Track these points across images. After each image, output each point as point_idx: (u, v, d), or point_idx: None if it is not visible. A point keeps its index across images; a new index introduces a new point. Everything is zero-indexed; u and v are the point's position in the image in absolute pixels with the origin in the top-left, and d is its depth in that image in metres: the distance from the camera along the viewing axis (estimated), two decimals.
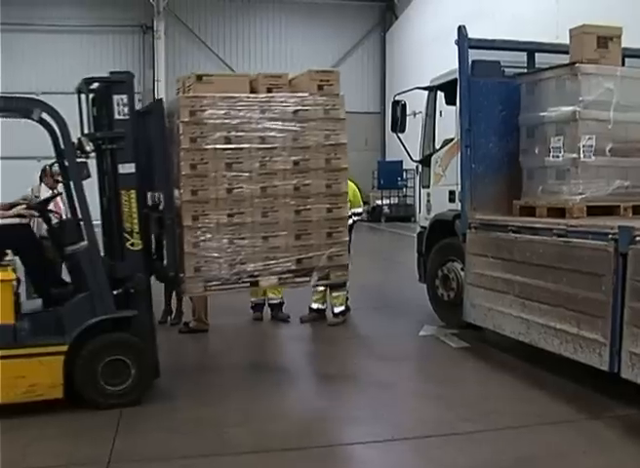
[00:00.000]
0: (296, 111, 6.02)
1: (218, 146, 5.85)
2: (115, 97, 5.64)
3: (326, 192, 6.15)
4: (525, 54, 7.95)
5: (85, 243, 5.80)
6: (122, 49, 25.88)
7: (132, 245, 5.76)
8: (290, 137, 6.02)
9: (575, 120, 6.54)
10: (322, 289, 8.64)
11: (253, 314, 8.94)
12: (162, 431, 5.17)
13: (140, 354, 5.68)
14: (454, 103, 8.12)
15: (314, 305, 8.89)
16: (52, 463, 4.65)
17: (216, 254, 5.91)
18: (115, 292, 5.67)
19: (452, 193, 8.28)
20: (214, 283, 5.97)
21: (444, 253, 8.43)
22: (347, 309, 8.98)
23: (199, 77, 5.93)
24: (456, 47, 7.44)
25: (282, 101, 6.00)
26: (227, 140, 5.88)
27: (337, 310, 8.80)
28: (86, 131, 5.81)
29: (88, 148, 5.69)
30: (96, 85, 5.87)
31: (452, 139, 8.34)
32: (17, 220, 6.45)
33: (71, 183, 5.83)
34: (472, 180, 7.45)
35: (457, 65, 7.59)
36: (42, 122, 5.89)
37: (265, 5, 26.42)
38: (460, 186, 7.72)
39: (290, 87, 6.14)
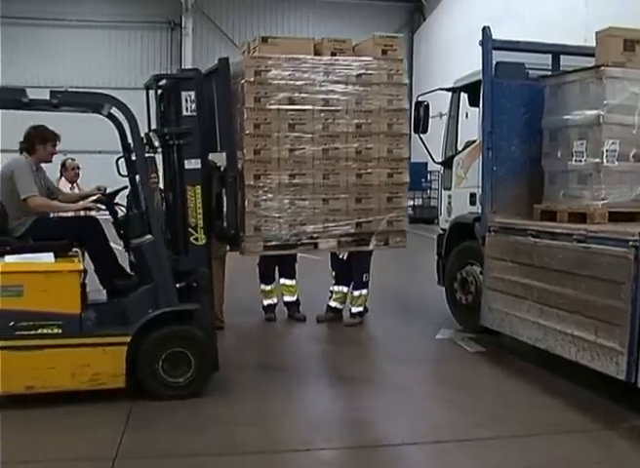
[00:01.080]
0: (359, 75, 6.04)
1: (281, 107, 5.87)
2: (183, 94, 5.71)
3: (387, 157, 6.16)
4: (549, 56, 7.81)
5: (149, 236, 5.85)
6: (149, 45, 25.98)
7: (196, 239, 5.80)
8: (353, 101, 6.03)
9: (598, 124, 6.37)
10: (344, 290, 8.62)
11: (265, 315, 8.78)
12: (172, 428, 5.13)
13: (201, 347, 5.70)
14: (477, 105, 8.04)
15: (333, 304, 8.75)
16: (58, 457, 4.62)
17: (276, 214, 5.93)
18: (178, 286, 5.72)
19: (473, 196, 8.18)
20: (273, 243, 5.97)
21: (463, 256, 8.30)
22: (365, 310, 8.86)
23: (264, 39, 5.96)
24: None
25: (346, 65, 6.02)
26: (291, 101, 5.90)
27: (355, 310, 8.65)
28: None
29: (156, 144, 5.74)
30: (164, 81, 5.97)
31: (474, 141, 8.24)
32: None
33: (138, 177, 5.94)
34: (493, 183, 7.32)
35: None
36: (110, 117, 5.95)
37: (294, 3, 26.52)
38: (480, 189, 7.63)
39: (353, 53, 6.14)
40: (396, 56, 6.14)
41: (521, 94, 7.35)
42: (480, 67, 7.44)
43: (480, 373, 6.74)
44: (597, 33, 6.65)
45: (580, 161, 6.58)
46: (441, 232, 9.10)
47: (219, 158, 5.98)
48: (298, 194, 5.97)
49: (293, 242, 6.04)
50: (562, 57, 7.72)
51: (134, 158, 5.91)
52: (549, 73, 7.53)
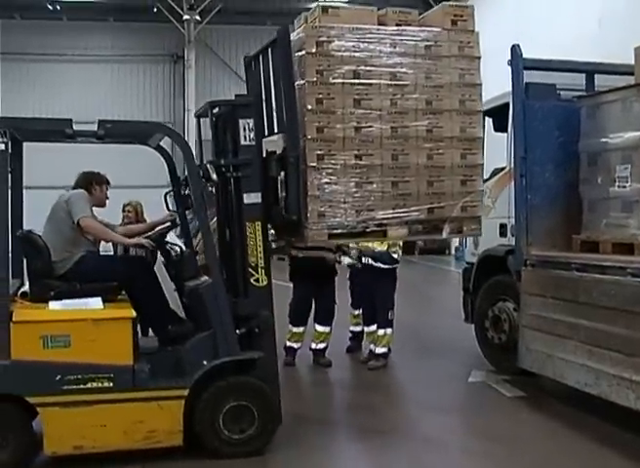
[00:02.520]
0: (428, 46, 5.55)
1: (345, 81, 5.37)
2: (241, 122, 5.28)
3: (460, 136, 5.64)
4: (576, 76, 7.33)
5: (204, 278, 5.44)
6: (152, 78, 25.68)
7: (257, 281, 5.33)
8: (422, 75, 5.54)
9: None
10: (357, 312, 8.21)
11: (284, 357, 7.94)
12: None
13: (264, 399, 5.22)
14: (503, 130, 7.61)
15: (380, 350, 8.11)
16: None
17: (341, 199, 5.39)
18: (239, 332, 5.24)
19: (503, 226, 7.67)
20: (338, 231, 5.41)
21: (494, 291, 7.76)
22: (389, 350, 8.24)
23: (324, 9, 5.46)
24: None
25: (414, 36, 5.54)
26: (356, 75, 5.40)
27: (379, 351, 8.05)
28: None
29: (214, 176, 5.27)
30: (219, 109, 5.53)
31: (502, 169, 7.76)
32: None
33: (193, 213, 5.52)
34: (528, 212, 6.76)
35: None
36: (159, 148, 5.66)
37: None
38: (513, 219, 7.13)
39: (420, 25, 5.65)
40: (467, 26, 5.65)
41: (555, 116, 6.82)
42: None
43: (520, 422, 6.11)
44: (636, 49, 6.05)
45: (625, 187, 6.04)
46: (467, 266, 8.58)
47: (272, 144, 5.46)
48: (364, 176, 5.43)
49: (360, 229, 5.48)
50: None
51: (186, 192, 5.55)
52: (583, 93, 7.00)
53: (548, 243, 6.64)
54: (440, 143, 5.59)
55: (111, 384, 4.87)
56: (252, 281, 5.34)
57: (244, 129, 5.30)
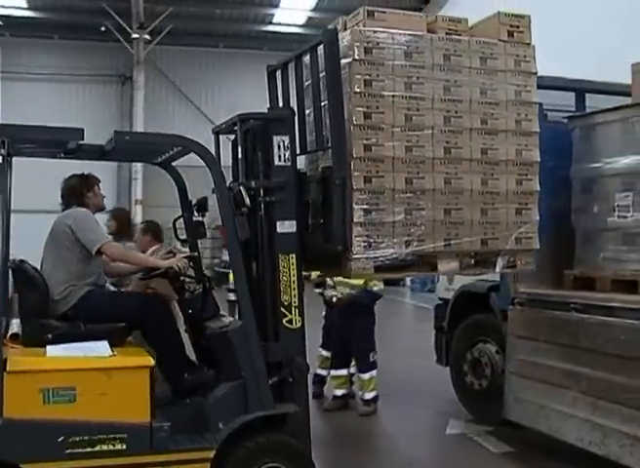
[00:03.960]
0: (483, 59, 5.00)
1: (396, 93, 4.75)
2: (275, 139, 4.63)
3: (515, 160, 5.09)
4: (562, 95, 6.80)
5: (228, 318, 4.81)
6: (99, 99, 24.52)
7: (290, 322, 4.64)
8: (477, 90, 4.98)
9: None
10: (344, 373, 7.56)
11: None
12: None
13: (299, 460, 4.51)
14: None
15: (338, 392, 7.62)
16: None
17: (390, 227, 4.75)
18: (270, 382, 4.52)
19: None
20: (386, 263, 4.75)
21: (474, 331, 7.16)
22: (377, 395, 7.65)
23: (370, 12, 4.83)
24: None
25: (468, 47, 4.97)
26: (407, 87, 4.79)
27: (368, 396, 7.49)
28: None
29: (247, 201, 4.52)
30: (249, 123, 4.80)
31: None
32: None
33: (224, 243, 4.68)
34: None
35: None
36: (169, 168, 5.13)
37: (249, 57, 25.66)
38: None
39: (470, 36, 5.09)
40: (523, 39, 5.13)
41: (542, 138, 6.13)
42: None
43: None
44: (634, 66, 5.59)
45: (626, 217, 5.48)
46: (440, 302, 7.91)
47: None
48: (415, 202, 4.82)
49: (409, 262, 4.82)
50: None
51: (199, 218, 5.07)
52: (574, 113, 6.49)
53: (537, 279, 5.90)
54: (495, 167, 5.02)
55: (125, 446, 4.11)
56: (284, 322, 4.63)
57: (278, 147, 4.63)
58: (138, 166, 23.04)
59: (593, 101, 6.42)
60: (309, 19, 23.86)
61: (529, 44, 5.12)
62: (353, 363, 7.66)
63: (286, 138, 4.66)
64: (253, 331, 4.52)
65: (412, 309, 19.78)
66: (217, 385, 4.55)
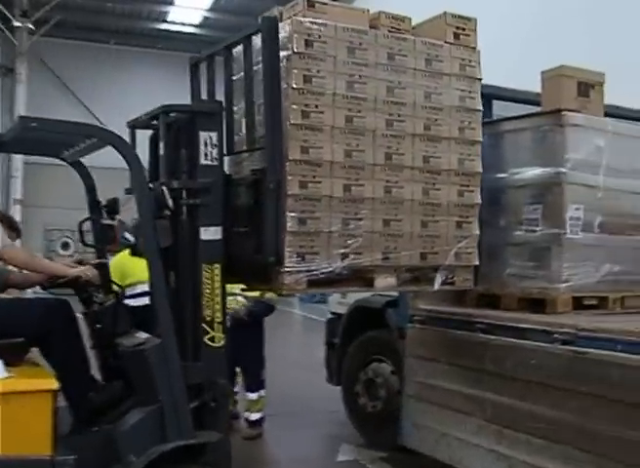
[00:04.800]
0: (428, 61, 4.66)
1: (337, 91, 4.33)
2: (202, 135, 4.13)
3: (458, 169, 4.78)
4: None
5: (143, 334, 4.23)
6: None
7: (212, 339, 4.14)
8: (421, 93, 4.64)
9: (559, 184, 5.03)
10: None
11: None
12: None
13: None
14: None
15: None
16: None
17: (326, 238, 4.33)
18: (190, 406, 4.01)
19: None
20: (320, 277, 4.32)
21: (368, 349, 6.78)
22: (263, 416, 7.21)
23: (311, 2, 4.40)
24: None
25: (414, 46, 4.62)
26: (349, 86, 4.38)
27: (253, 417, 7.05)
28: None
29: (170, 202, 4.02)
30: (172, 116, 4.31)
31: None
32: None
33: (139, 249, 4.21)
34: None
35: None
36: (76, 164, 4.60)
37: (143, 56, 24.80)
38: None
39: (413, 35, 4.75)
40: (469, 42, 4.82)
41: None
42: None
43: None
44: (544, 73, 5.39)
45: (534, 231, 5.17)
46: (332, 317, 7.53)
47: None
48: (353, 211, 4.42)
49: (344, 277, 4.41)
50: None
51: (108, 222, 4.53)
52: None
53: (437, 295, 5.54)
54: (437, 176, 4.69)
55: None
56: (205, 340, 4.13)
57: (205, 144, 4.14)
58: (17, 162, 21.72)
59: (500, 109, 6.13)
60: (205, 18, 23.27)
61: (474, 48, 4.83)
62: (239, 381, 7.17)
63: (214, 135, 4.17)
64: (173, 350, 3.98)
65: (301, 320, 19.38)
66: (129, 411, 4.00)
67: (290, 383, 8.97)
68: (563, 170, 5.04)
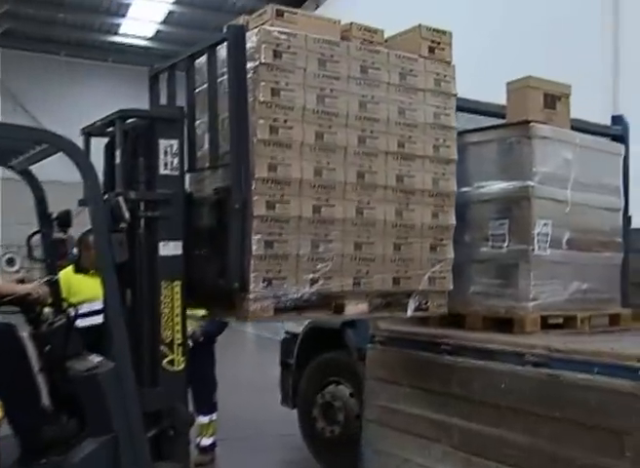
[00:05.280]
0: (402, 75, 4.43)
1: (307, 106, 4.07)
2: (162, 143, 3.85)
3: (432, 189, 4.54)
4: None
5: (96, 358, 3.86)
6: None
7: (171, 363, 3.85)
8: (394, 109, 4.40)
9: (527, 198, 4.86)
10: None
11: None
12: None
13: None
14: None
15: None
16: None
17: (294, 262, 4.05)
18: (147, 435, 3.72)
19: None
20: (288, 303, 4.04)
21: (326, 371, 6.53)
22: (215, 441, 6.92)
23: (280, 12, 4.15)
24: None
25: (387, 60, 4.39)
26: (320, 100, 4.13)
27: (205, 443, 6.82)
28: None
29: (127, 215, 3.70)
30: (130, 123, 4.02)
31: None
32: None
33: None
34: None
35: None
36: (25, 173, 4.26)
37: (94, 69, 24.26)
38: None
39: (387, 48, 4.52)
40: (444, 56, 4.61)
41: None
42: None
43: None
44: (510, 84, 5.24)
45: (501, 247, 4.97)
46: (287, 336, 7.25)
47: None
48: (323, 233, 4.15)
49: (314, 302, 4.14)
50: None
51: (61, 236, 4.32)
52: None
53: None
54: (410, 197, 4.45)
55: None
56: (164, 364, 3.84)
57: (165, 152, 3.86)
58: None
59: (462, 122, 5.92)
60: (158, 31, 22.86)
61: (449, 63, 4.62)
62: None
63: (174, 143, 3.88)
64: (128, 374, 3.66)
65: (253, 339, 18.98)
66: (81, 440, 3.65)
67: (242, 405, 8.67)
68: (531, 183, 4.85)
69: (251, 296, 3.90)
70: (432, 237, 4.52)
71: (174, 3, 20.82)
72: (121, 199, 3.70)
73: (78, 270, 5.45)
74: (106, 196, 3.87)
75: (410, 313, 4.47)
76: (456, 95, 4.62)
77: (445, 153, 4.56)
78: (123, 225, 3.71)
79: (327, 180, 4.13)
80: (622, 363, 3.73)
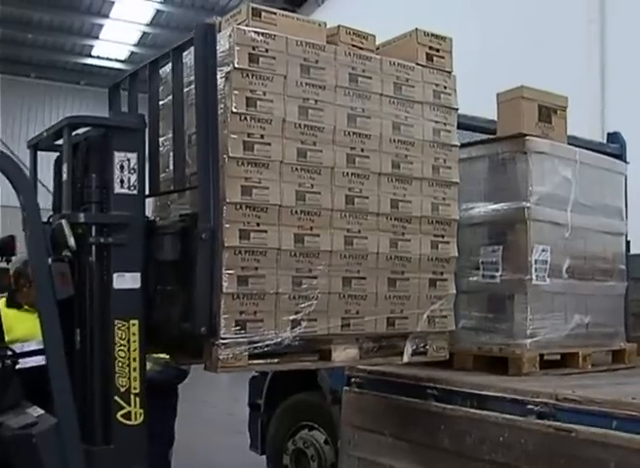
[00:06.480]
0: (398, 86, 3.87)
1: (288, 118, 3.50)
2: (117, 156, 3.33)
3: (431, 216, 3.97)
4: None
5: (36, 411, 3.31)
6: None
7: (127, 417, 3.31)
8: (389, 124, 3.84)
9: (523, 222, 4.43)
10: None
11: None
12: None
13: None
14: None
15: None
16: None
17: (272, 302, 3.46)
18: None
19: None
20: (265, 350, 3.45)
21: (298, 414, 5.97)
22: None
23: (256, 11, 3.58)
24: None
25: (380, 68, 3.83)
26: (302, 112, 3.56)
27: None
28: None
29: (72, 241, 3.19)
30: (82, 135, 3.54)
31: None
32: None
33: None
34: None
35: None
36: None
37: (66, 91, 23.59)
38: None
39: (381, 54, 3.98)
40: (444, 65, 4.07)
41: None
42: None
43: None
44: (500, 95, 4.77)
45: (494, 277, 4.52)
46: (255, 374, 6.60)
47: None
48: (306, 268, 3.57)
49: (296, 348, 3.55)
50: None
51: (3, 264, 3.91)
52: None
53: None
54: (407, 225, 3.89)
55: None
56: (119, 417, 3.28)
57: (121, 167, 3.32)
58: None
59: None
60: (132, 53, 22.31)
61: (450, 72, 4.07)
62: None
63: (132, 156, 3.34)
64: (72, 432, 3.13)
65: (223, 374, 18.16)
66: None
67: (212, 449, 8.15)
68: (527, 204, 4.43)
69: (221, 342, 3.32)
70: (431, 271, 3.95)
71: (148, 25, 20.36)
72: (64, 222, 3.18)
73: (9, 304, 4.82)
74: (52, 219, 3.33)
75: (406, 358, 3.88)
76: (457, 109, 4.07)
77: (446, 175, 4.01)
78: (67, 253, 3.18)
79: (311, 206, 3.57)
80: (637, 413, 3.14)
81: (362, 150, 3.72)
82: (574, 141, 5.01)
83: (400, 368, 4.29)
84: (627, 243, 5.33)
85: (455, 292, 4.03)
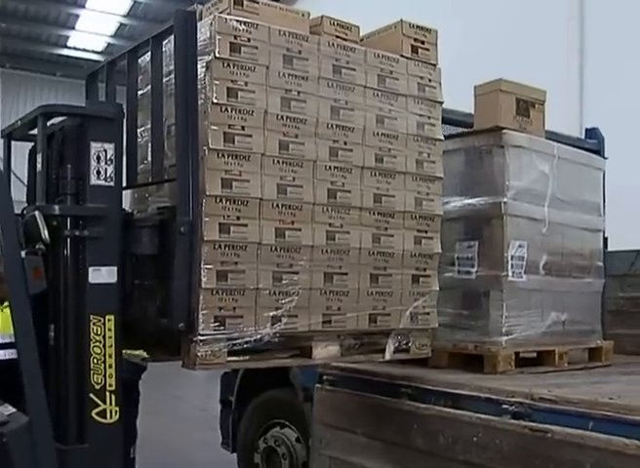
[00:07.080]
0: (382, 78, 3.79)
1: (270, 110, 3.40)
2: (94, 146, 3.24)
3: (415, 211, 3.89)
4: None
5: (8, 409, 3.20)
6: None
7: (102, 414, 3.23)
8: (373, 117, 3.76)
9: (499, 217, 4.35)
10: None
11: None
12: None
13: None
14: None
15: None
16: None
17: (252, 297, 3.36)
18: None
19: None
20: (244, 346, 3.36)
21: (269, 412, 5.84)
22: None
23: (238, 0, 3.48)
24: None
25: (364, 59, 3.75)
26: (285, 103, 3.46)
27: None
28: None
29: (46, 234, 3.12)
30: (57, 124, 3.45)
31: None
32: None
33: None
34: None
35: None
36: None
37: (42, 82, 23.27)
38: None
39: (365, 45, 3.90)
40: (429, 58, 3.99)
41: None
42: None
43: None
44: (478, 88, 4.70)
45: (469, 273, 4.44)
46: (227, 370, 6.44)
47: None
48: (287, 263, 3.47)
49: (276, 345, 3.46)
50: None
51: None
52: None
53: None
54: (390, 220, 3.81)
55: None
56: (94, 415, 3.19)
57: (98, 158, 3.23)
58: None
59: None
60: (108, 45, 22.03)
61: (435, 65, 3.99)
62: None
63: (109, 147, 3.25)
64: (44, 431, 3.04)
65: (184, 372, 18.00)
66: None
67: (186, 444, 7.99)
68: (504, 199, 4.35)
69: (199, 339, 3.22)
70: (414, 267, 3.87)
71: (125, 16, 20.11)
72: (38, 214, 3.08)
73: None
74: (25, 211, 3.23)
75: (388, 356, 3.80)
76: (442, 102, 3.99)
77: (429, 169, 3.93)
78: (41, 247, 3.08)
79: (292, 199, 3.48)
80: (625, 416, 3.03)
81: (345, 143, 3.64)
82: (552, 136, 4.96)
83: (374, 365, 4.19)
84: (605, 239, 5.30)
85: (438, 288, 3.95)
